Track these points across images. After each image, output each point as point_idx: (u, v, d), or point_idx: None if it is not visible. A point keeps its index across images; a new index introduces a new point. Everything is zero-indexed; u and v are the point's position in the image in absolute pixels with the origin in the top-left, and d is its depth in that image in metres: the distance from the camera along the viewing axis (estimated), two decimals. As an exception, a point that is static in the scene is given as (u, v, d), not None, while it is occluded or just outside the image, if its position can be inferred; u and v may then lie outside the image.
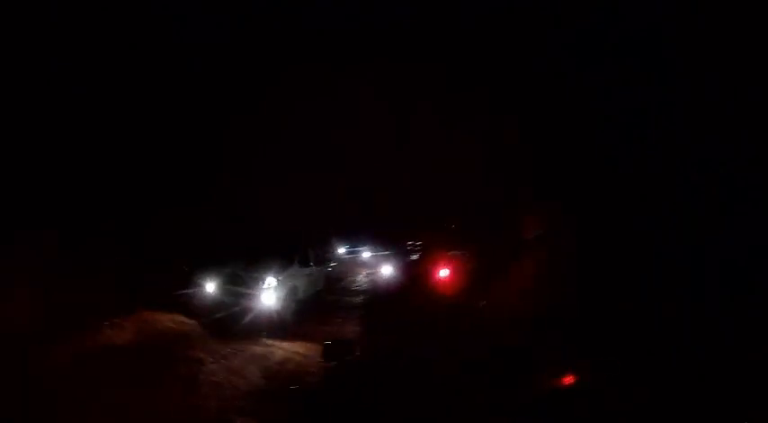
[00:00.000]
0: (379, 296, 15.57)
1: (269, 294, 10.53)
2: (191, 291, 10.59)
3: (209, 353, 7.81)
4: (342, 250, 22.35)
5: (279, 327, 9.97)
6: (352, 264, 21.69)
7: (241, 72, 15.42)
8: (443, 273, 12.56)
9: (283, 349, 8.55)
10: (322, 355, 4.89)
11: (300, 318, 11.10)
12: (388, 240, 21.77)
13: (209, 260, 11.07)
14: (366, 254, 22.72)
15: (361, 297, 16.01)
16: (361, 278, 20.09)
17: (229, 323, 9.85)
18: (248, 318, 10.06)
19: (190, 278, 10.62)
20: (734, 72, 7.63)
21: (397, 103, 18.26)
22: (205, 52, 14.14)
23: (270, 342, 8.90)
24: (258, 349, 8.42)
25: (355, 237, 23.08)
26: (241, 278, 10.64)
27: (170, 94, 13.21)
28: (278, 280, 10.76)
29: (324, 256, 14.93)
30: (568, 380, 3.26)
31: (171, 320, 9.06)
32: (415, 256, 18.57)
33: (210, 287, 10.56)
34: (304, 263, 12.52)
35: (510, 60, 13.29)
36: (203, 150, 14.18)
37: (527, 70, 12.87)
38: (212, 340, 8.50)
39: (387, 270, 18.11)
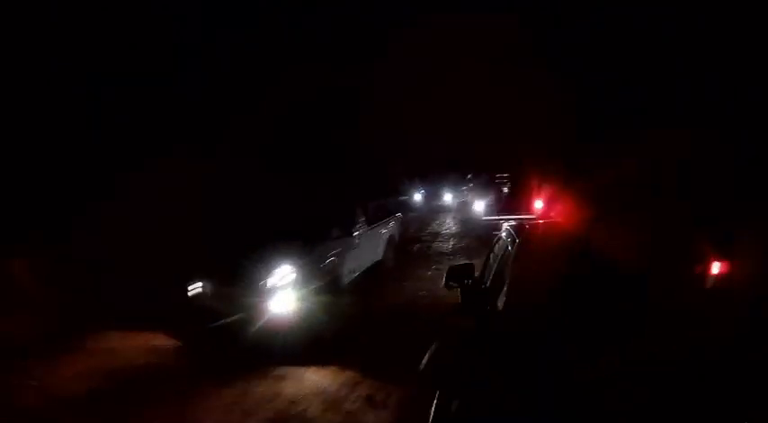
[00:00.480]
0: (476, 237, 13.58)
1: (283, 294, 6.67)
2: (181, 294, 6.90)
3: (185, 402, 5.02)
4: (419, 195, 19.57)
5: (302, 341, 6.41)
6: (435, 208, 18.92)
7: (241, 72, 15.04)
8: (538, 204, 11.38)
9: (302, 383, 5.37)
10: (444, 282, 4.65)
11: (339, 320, 7.10)
12: (473, 176, 18.56)
13: (204, 248, 7.63)
14: (448, 195, 19.62)
15: (452, 242, 14.24)
16: (449, 221, 17.86)
17: (227, 342, 6.48)
18: (254, 332, 6.43)
19: (179, 277, 7.07)
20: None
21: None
22: (204, 53, 13.95)
23: (284, 371, 5.62)
24: (260, 389, 5.24)
25: (434, 178, 19.89)
26: (242, 271, 6.80)
27: (169, 94, 12.73)
28: (297, 268, 6.88)
29: (387, 210, 11.25)
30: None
31: (144, 346, 6.29)
32: (506, 189, 16.62)
33: (202, 288, 6.86)
34: (350, 228, 8.71)
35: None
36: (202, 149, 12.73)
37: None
38: (199, 376, 5.59)
39: (479, 207, 15.87)
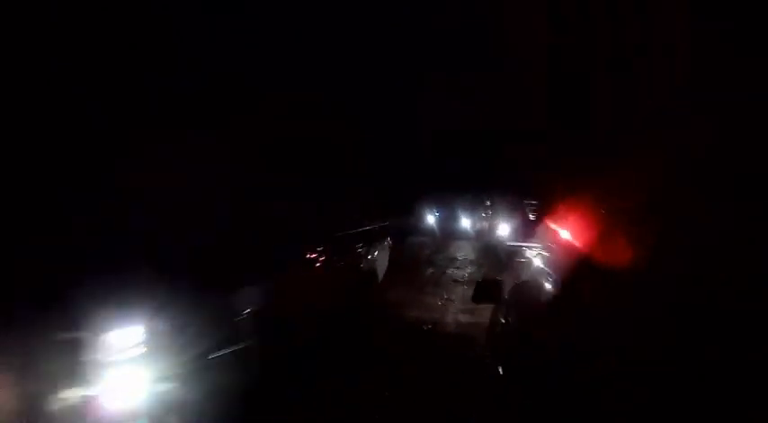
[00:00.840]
0: (497, 264, 12.54)
1: (126, 378, 3.76)
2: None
3: None
4: (432, 217, 17.03)
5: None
6: (450, 232, 17.25)
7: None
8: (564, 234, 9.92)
9: None
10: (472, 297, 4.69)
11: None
12: (497, 199, 16.89)
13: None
14: (466, 220, 16.98)
15: (469, 270, 12.76)
16: (467, 246, 16.15)
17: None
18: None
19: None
20: None
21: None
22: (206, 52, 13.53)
23: None
24: None
25: (450, 199, 17.35)
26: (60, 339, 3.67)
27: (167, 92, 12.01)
28: (157, 330, 3.93)
29: (373, 235, 8.53)
30: None
31: None
32: (532, 216, 15.21)
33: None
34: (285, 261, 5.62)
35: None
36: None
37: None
38: None
39: (503, 231, 14.74)
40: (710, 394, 2.36)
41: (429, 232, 16.87)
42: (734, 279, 3.00)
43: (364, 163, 15.85)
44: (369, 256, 7.70)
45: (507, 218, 15.30)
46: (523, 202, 16.05)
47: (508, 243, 13.86)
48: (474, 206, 17.16)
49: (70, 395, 3.71)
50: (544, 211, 15.09)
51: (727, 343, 2.55)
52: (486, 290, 4.63)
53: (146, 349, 3.91)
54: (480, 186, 17.23)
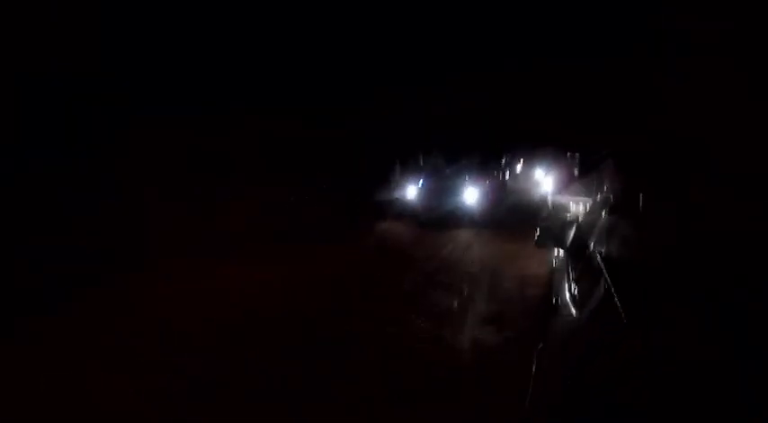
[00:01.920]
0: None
1: None
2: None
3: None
4: (414, 189, 12.93)
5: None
6: (442, 213, 12.57)
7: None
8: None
9: None
10: (536, 241, 5.06)
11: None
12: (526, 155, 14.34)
13: None
14: (471, 189, 12.46)
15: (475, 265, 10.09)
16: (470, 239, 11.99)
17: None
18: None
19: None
20: None
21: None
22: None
23: None
24: None
25: (446, 159, 13.15)
26: None
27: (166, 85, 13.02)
28: None
29: None
30: None
31: None
32: (576, 171, 12.84)
33: None
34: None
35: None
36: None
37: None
38: None
39: (547, 183, 12.64)
40: (711, 394, 2.34)
41: (407, 215, 12.47)
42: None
43: (364, 163, 14.34)
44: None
45: (548, 170, 13.18)
46: (566, 155, 13.20)
47: (550, 197, 11.12)
48: (484, 171, 12.84)
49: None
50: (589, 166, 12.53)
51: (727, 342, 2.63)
52: (550, 232, 4.91)
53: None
54: (495, 143, 13.11)
